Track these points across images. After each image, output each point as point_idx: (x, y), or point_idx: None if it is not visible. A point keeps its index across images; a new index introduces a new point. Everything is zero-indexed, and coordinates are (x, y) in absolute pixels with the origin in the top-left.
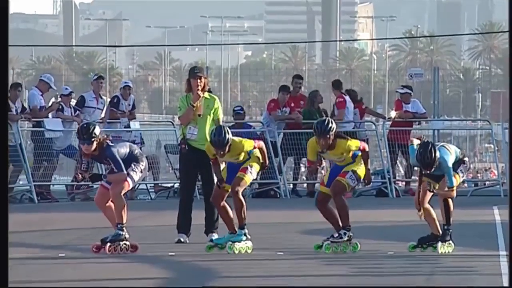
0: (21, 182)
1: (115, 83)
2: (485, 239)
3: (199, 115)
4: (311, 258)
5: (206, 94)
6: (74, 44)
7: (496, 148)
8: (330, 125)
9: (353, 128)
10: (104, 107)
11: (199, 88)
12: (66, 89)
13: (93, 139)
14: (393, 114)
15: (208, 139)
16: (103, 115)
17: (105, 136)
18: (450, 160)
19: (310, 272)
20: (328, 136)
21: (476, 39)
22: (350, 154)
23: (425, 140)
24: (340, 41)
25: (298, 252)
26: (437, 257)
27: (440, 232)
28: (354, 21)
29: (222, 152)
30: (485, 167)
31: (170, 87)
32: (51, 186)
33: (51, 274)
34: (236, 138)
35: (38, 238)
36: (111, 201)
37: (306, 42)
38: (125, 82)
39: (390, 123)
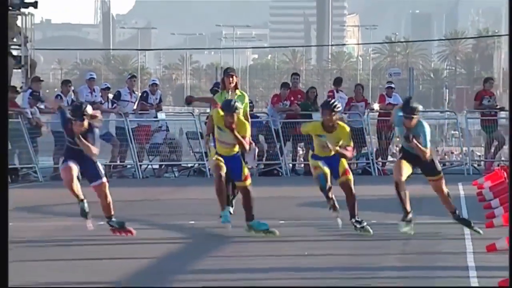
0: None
1: (145, 81)
2: None
3: None
4: (308, 225)
5: (238, 91)
6: (111, 48)
7: (461, 134)
8: (336, 103)
9: (348, 118)
10: (136, 100)
11: (232, 85)
12: (105, 84)
13: (84, 117)
14: (375, 106)
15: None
16: (135, 107)
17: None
18: (428, 130)
19: (307, 237)
20: (333, 112)
21: (443, 45)
22: (340, 143)
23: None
24: (331, 45)
25: (297, 220)
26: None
27: (409, 210)
28: (343, 29)
29: (231, 121)
30: (451, 150)
31: (190, 84)
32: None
33: (92, 232)
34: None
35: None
36: (101, 195)
37: (303, 46)
38: (153, 80)
39: (374, 113)
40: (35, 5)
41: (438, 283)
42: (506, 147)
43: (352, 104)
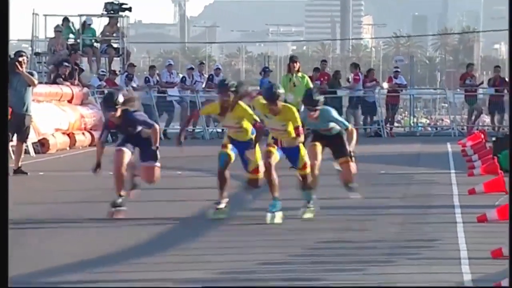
0: None
1: (211, 66)
2: (441, 162)
3: (295, 85)
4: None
5: (300, 74)
6: (186, 42)
7: (449, 106)
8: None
9: (363, 93)
10: (204, 81)
11: (295, 68)
12: (190, 65)
13: (117, 107)
14: (385, 85)
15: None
16: (203, 85)
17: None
18: (335, 114)
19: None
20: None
21: (436, 38)
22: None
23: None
24: (351, 39)
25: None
26: (411, 175)
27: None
28: (360, 27)
29: (275, 109)
30: (441, 118)
31: (245, 69)
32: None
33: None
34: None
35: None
36: (149, 178)
37: (330, 40)
38: (217, 66)
39: (384, 90)
40: (130, 9)
41: (430, 219)
42: (483, 115)
43: (366, 84)
